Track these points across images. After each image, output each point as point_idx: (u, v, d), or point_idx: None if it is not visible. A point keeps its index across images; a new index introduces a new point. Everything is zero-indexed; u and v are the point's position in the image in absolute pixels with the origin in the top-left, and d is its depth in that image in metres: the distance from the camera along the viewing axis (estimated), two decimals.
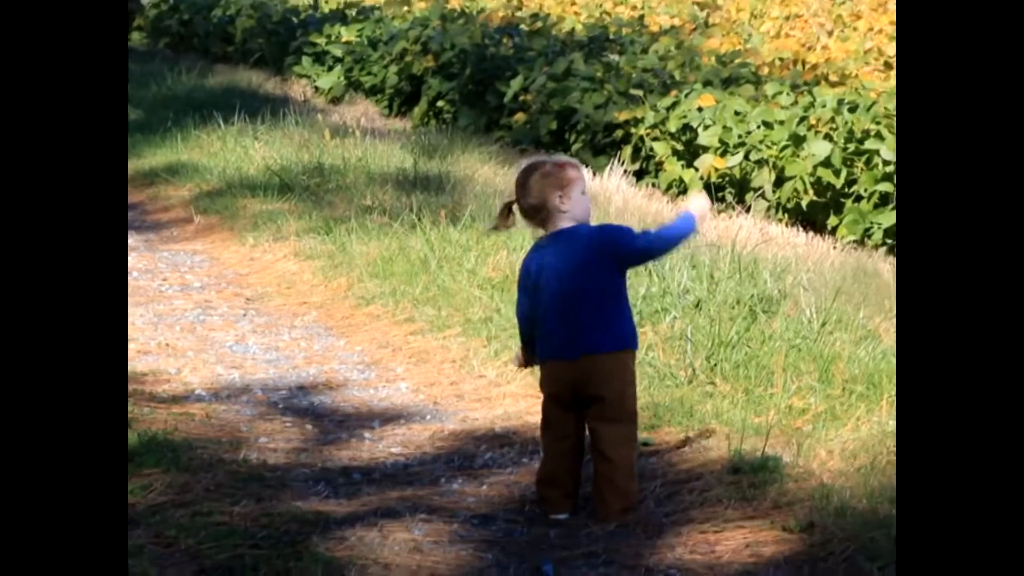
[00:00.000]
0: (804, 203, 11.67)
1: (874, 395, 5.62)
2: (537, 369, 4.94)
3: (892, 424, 5.31)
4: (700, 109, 12.59)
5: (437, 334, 7.03)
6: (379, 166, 11.08)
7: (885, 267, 9.37)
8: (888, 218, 10.88)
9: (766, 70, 14.15)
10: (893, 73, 13.80)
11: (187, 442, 5.44)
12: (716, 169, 12.26)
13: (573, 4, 18.44)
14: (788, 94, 12.55)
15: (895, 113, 11.41)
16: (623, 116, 13.14)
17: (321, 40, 17.80)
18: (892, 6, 17.50)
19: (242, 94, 15.84)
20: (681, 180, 12.62)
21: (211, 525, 4.59)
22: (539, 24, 16.49)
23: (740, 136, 12.18)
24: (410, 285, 7.76)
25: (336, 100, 17.29)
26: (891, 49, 14.56)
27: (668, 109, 12.89)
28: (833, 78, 13.63)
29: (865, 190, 11.24)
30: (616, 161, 12.86)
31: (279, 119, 13.12)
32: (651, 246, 4.84)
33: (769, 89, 12.78)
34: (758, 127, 12.15)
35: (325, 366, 6.74)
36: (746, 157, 12.12)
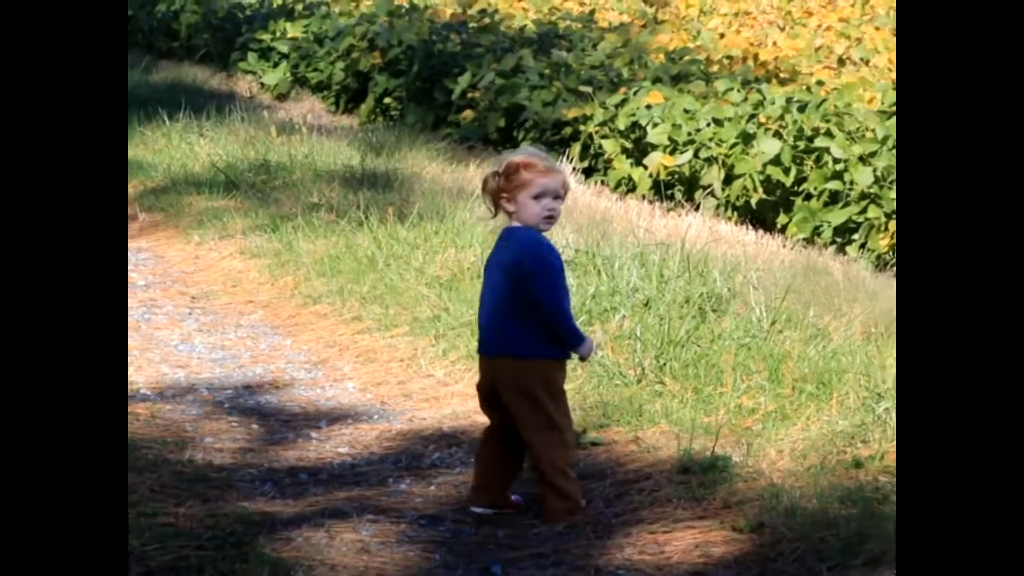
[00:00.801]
0: (754, 201, 11.68)
1: (824, 394, 5.62)
2: None
3: (842, 423, 5.30)
4: (649, 107, 12.58)
5: (385, 333, 6.97)
6: (326, 163, 11.01)
7: (835, 265, 9.39)
8: (838, 216, 10.90)
9: (716, 67, 14.16)
10: (843, 70, 13.84)
11: (132, 442, 5.37)
12: (665, 167, 12.25)
13: (521, 0, 18.40)
14: (739, 91, 12.56)
15: (850, 113, 11.46)
16: (572, 113, 13.11)
17: (267, 36, 17.68)
18: (841, 3, 17.58)
19: (187, 90, 15.72)
20: (630, 178, 12.61)
21: (156, 526, 4.53)
22: (487, 20, 16.44)
23: (689, 134, 12.18)
24: (357, 283, 7.71)
25: (282, 97, 17.18)
26: (840, 47, 14.61)
27: (617, 106, 12.87)
28: (783, 75, 13.65)
29: (815, 188, 11.26)
30: (565, 159, 12.83)
31: (225, 116, 13.02)
32: (551, 313, 4.65)
33: (720, 86, 12.79)
34: (708, 124, 12.15)
35: (271, 365, 6.68)
36: (695, 155, 12.12)
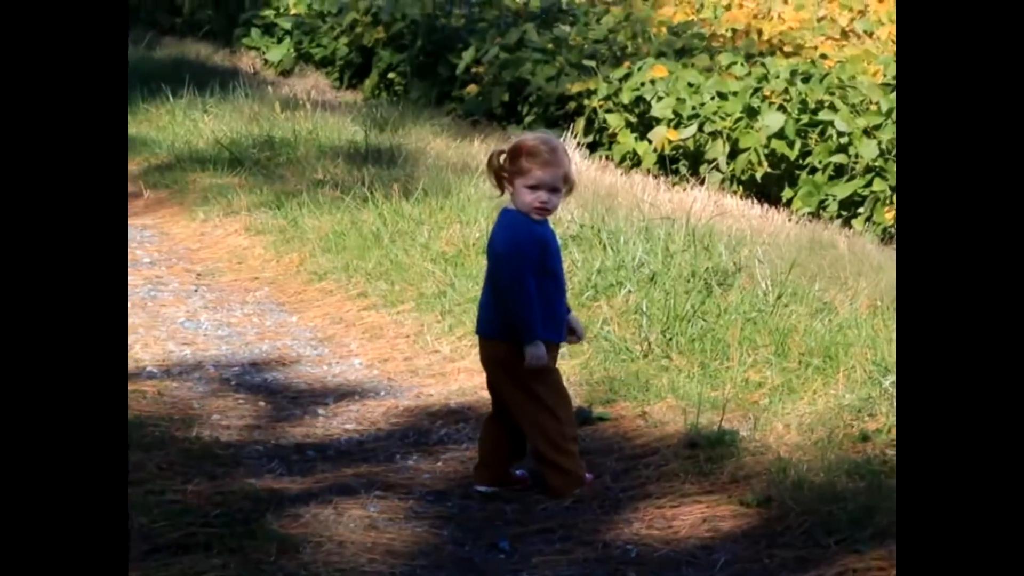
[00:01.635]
0: (758, 175, 11.66)
1: (830, 368, 5.61)
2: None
3: (849, 397, 5.30)
4: (653, 81, 12.55)
5: (391, 309, 6.97)
6: (330, 139, 11.00)
7: (840, 239, 9.38)
8: (843, 190, 10.88)
9: (719, 41, 14.11)
10: (848, 43, 13.80)
11: (139, 420, 5.38)
12: (669, 141, 12.23)
13: None
14: (742, 64, 12.52)
15: (854, 86, 11.42)
16: (576, 88, 13.08)
17: (270, 12, 17.64)
18: None
19: (191, 67, 15.69)
20: (635, 152, 12.58)
21: (164, 503, 4.54)
22: None
23: (694, 108, 12.15)
24: (363, 260, 7.70)
25: (286, 73, 17.14)
26: (843, 19, 14.55)
27: (621, 81, 12.84)
28: (787, 48, 13.61)
29: (819, 162, 11.24)
30: (569, 134, 12.80)
31: (228, 92, 13.00)
32: (509, 300, 4.60)
33: (723, 60, 12.75)
34: (712, 98, 12.12)
35: (278, 342, 6.68)
36: (700, 129, 12.09)
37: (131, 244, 8.79)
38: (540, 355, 4.62)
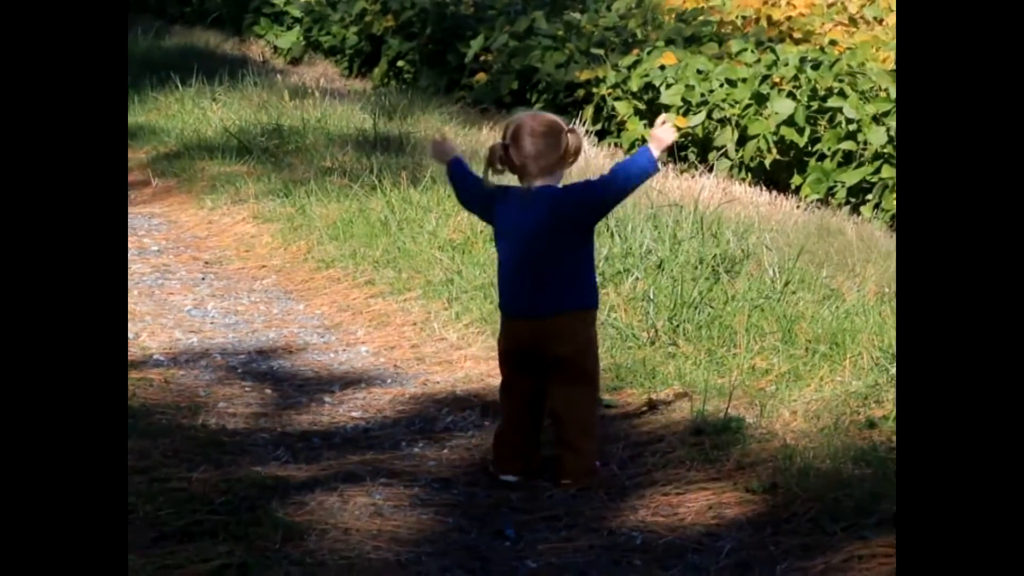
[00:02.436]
0: (767, 162, 11.64)
1: (837, 355, 5.60)
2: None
3: (855, 384, 5.29)
4: (662, 68, 12.53)
5: (397, 297, 6.97)
6: (339, 127, 10.99)
7: (849, 226, 9.36)
8: (852, 176, 10.85)
9: (729, 28, 14.08)
10: (857, 29, 13.76)
11: (145, 407, 5.39)
12: (678, 128, 12.18)
13: None
14: (752, 51, 12.50)
15: (863, 72, 11.39)
16: (585, 75, 13.06)
17: (279, 0, 17.63)
18: None
19: (199, 55, 15.69)
20: (643, 140, 12.55)
21: (169, 491, 4.54)
22: None
23: (703, 95, 12.12)
24: (370, 247, 7.70)
25: (295, 61, 17.15)
26: (853, 5, 14.51)
27: (630, 68, 12.82)
28: (797, 35, 13.58)
29: (828, 149, 11.21)
30: (578, 121, 12.79)
31: (237, 80, 13.00)
32: (607, 190, 4.74)
33: (733, 46, 12.72)
34: (721, 85, 12.09)
35: (285, 330, 6.68)
36: (709, 116, 12.07)
37: (139, 232, 8.80)
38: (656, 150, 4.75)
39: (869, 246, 8.14)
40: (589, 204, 4.72)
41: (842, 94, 11.32)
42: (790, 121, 11.50)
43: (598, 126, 13.00)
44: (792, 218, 9.42)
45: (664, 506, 4.55)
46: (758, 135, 11.65)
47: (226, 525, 4.26)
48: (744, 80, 11.97)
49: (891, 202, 10.47)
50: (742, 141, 11.83)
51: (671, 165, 12.11)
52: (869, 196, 10.75)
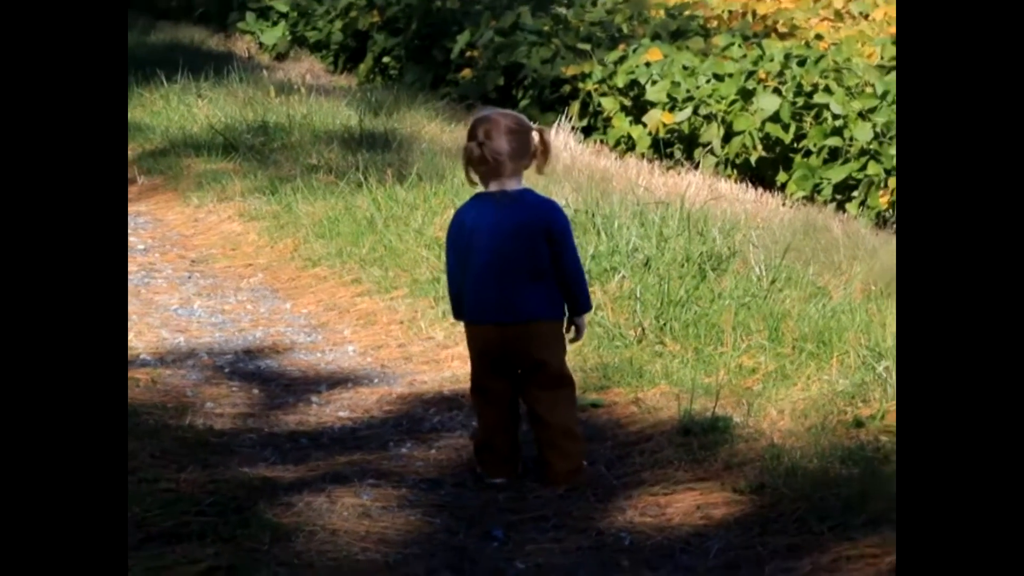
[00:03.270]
0: (753, 159, 11.64)
1: (824, 353, 5.61)
2: None
3: (843, 383, 5.29)
4: (648, 64, 12.52)
5: (384, 295, 6.96)
6: (324, 124, 10.97)
7: (835, 223, 9.37)
8: (838, 173, 10.86)
9: (715, 22, 14.09)
10: (843, 24, 13.77)
11: (132, 408, 5.37)
12: (664, 125, 12.21)
13: None
14: (739, 46, 12.50)
15: (849, 68, 11.40)
16: (571, 71, 13.05)
17: None
18: None
19: (185, 51, 15.65)
20: (629, 136, 12.57)
21: (157, 492, 4.53)
22: None
23: (688, 91, 12.12)
24: (356, 245, 7.69)
25: (281, 57, 17.11)
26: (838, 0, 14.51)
27: (616, 64, 12.81)
28: (782, 29, 13.58)
29: (814, 145, 11.22)
30: (564, 117, 12.79)
31: (223, 76, 12.97)
32: (579, 275, 4.71)
33: (720, 41, 12.72)
34: (707, 81, 12.09)
35: (271, 329, 6.68)
36: (695, 112, 12.07)
37: None
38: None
39: (855, 243, 8.15)
40: (557, 244, 4.66)
41: (828, 90, 11.32)
42: (776, 117, 11.50)
43: (584, 122, 12.99)
44: (778, 215, 9.43)
45: (652, 506, 4.55)
46: (744, 131, 11.66)
47: (214, 526, 4.26)
48: (730, 76, 11.98)
49: (877, 199, 10.48)
50: (728, 138, 11.84)
51: (657, 162, 12.11)
52: (855, 193, 10.76)
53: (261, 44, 17.35)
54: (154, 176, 10.17)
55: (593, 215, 7.60)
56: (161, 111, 12.10)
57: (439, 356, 6.10)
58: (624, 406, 5.36)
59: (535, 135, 4.72)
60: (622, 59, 12.82)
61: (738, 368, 5.58)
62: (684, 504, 4.54)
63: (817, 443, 4.78)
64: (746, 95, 11.78)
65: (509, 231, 4.64)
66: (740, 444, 4.87)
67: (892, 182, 10.37)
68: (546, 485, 4.70)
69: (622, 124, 12.57)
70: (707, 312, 6.09)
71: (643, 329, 5.98)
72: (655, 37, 13.33)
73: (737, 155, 11.71)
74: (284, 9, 17.32)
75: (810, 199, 10.98)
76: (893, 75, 11.12)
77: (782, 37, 13.43)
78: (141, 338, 6.45)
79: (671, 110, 12.17)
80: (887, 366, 5.27)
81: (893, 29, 12.73)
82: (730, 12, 14.41)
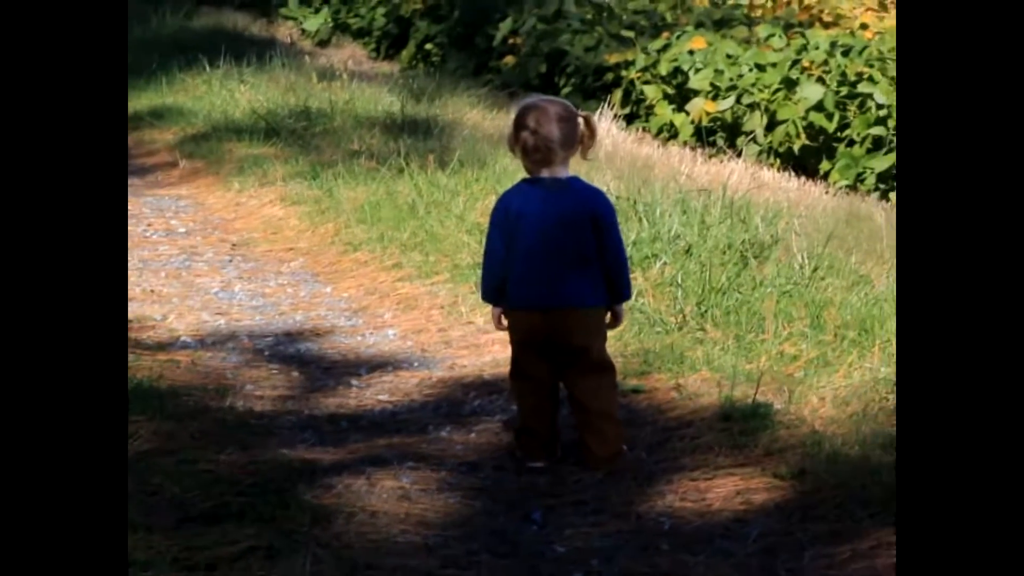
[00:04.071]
0: (796, 147, 11.59)
1: (866, 341, 5.57)
2: None
3: (884, 370, 5.26)
4: (691, 52, 12.49)
5: (425, 280, 6.96)
6: (366, 110, 10.99)
7: (878, 212, 9.32)
8: (881, 163, 10.81)
9: (759, 12, 14.03)
10: (887, 14, 13.69)
11: (172, 390, 5.39)
12: (707, 113, 12.17)
13: None
14: (781, 36, 12.45)
15: (893, 58, 11.33)
16: (614, 59, 13.03)
17: None
18: None
19: (228, 36, 15.70)
20: (672, 124, 12.54)
21: (197, 473, 4.53)
22: None
23: (732, 79, 12.08)
24: (398, 231, 7.69)
25: (323, 43, 17.15)
26: None
27: (659, 52, 12.79)
28: (827, 18, 13.52)
29: (858, 135, 11.16)
30: (606, 105, 12.77)
31: (265, 62, 13.01)
32: (624, 264, 4.72)
33: (762, 31, 12.68)
34: (750, 70, 12.04)
35: (312, 313, 6.68)
36: (738, 101, 12.03)
37: (166, 214, 8.82)
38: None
39: None
40: (603, 232, 4.66)
41: (872, 80, 11.27)
42: (819, 106, 11.46)
43: (627, 110, 12.97)
44: (821, 204, 9.38)
45: (692, 491, 4.53)
46: (787, 120, 11.61)
47: (253, 508, 4.26)
48: (774, 65, 11.93)
49: None
50: (771, 126, 11.79)
51: (699, 150, 12.08)
52: None
53: (304, 30, 17.40)
54: (196, 160, 10.20)
55: (635, 202, 7.58)
56: (203, 96, 12.14)
57: (479, 341, 6.09)
58: (665, 392, 5.34)
59: (581, 120, 4.71)
60: (665, 47, 12.79)
61: (779, 355, 5.55)
62: (724, 489, 4.51)
63: (858, 430, 4.75)
64: (790, 84, 11.74)
65: (556, 218, 4.64)
66: (781, 431, 4.85)
67: None
68: (585, 469, 4.69)
69: (665, 112, 12.54)
70: (748, 299, 6.06)
71: (684, 316, 5.96)
72: (698, 25, 13.30)
73: (780, 144, 11.66)
74: None
75: (853, 188, 10.94)
76: None
77: (826, 26, 13.37)
78: (182, 320, 6.47)
79: (714, 98, 12.13)
80: None
81: None
82: (774, 1, 14.35)
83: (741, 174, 10.26)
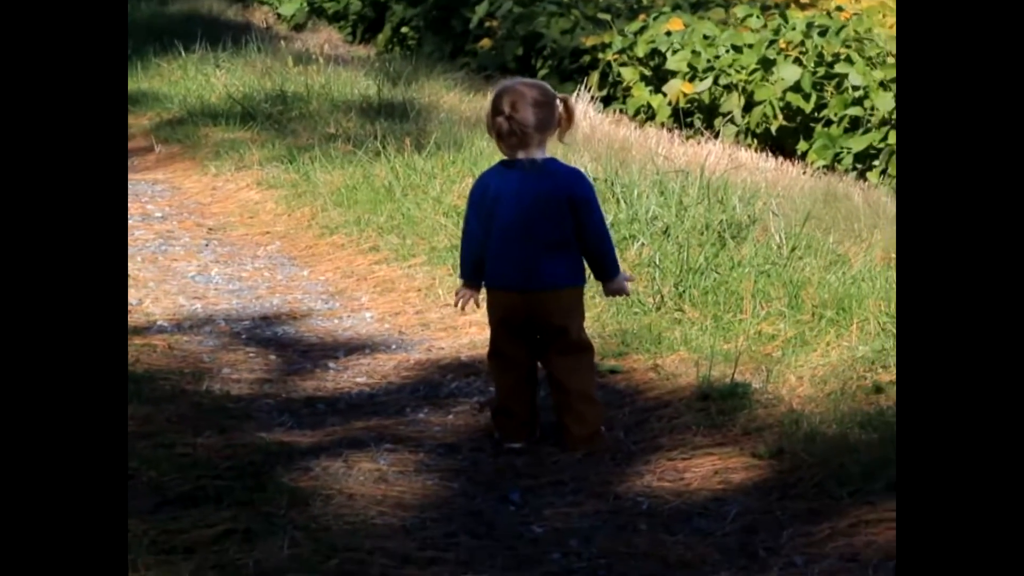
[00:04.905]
0: (774, 128, 11.59)
1: (844, 320, 5.57)
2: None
3: (862, 349, 5.26)
4: (668, 33, 12.47)
5: (402, 263, 6.95)
6: (343, 94, 10.95)
7: (855, 192, 9.32)
8: (858, 143, 10.81)
9: None
10: None
11: (149, 374, 5.37)
12: (684, 94, 12.16)
13: None
14: (758, 17, 12.44)
15: (870, 39, 11.34)
16: (590, 41, 13.01)
17: None
18: None
19: (203, 21, 15.64)
20: (649, 106, 12.52)
21: (174, 456, 4.52)
22: None
23: (709, 61, 12.07)
24: (374, 214, 7.67)
25: (299, 27, 17.09)
26: None
27: (636, 34, 12.76)
28: (803, 0, 13.53)
29: (835, 115, 11.16)
30: (583, 87, 12.74)
31: (241, 47, 12.96)
32: (606, 241, 4.72)
33: (739, 12, 12.67)
34: (727, 51, 12.04)
35: (289, 296, 6.66)
36: (715, 82, 12.02)
37: (142, 198, 8.78)
38: (625, 278, 4.83)
39: (876, 212, 8.11)
40: (581, 212, 4.64)
41: (849, 60, 11.27)
42: (796, 87, 11.45)
43: (604, 92, 12.95)
44: (798, 184, 9.38)
45: (670, 471, 4.53)
46: (764, 101, 11.61)
47: (230, 491, 4.24)
48: (751, 46, 11.92)
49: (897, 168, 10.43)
50: (748, 107, 11.79)
51: (677, 132, 12.07)
52: (876, 162, 10.71)
53: (279, 15, 17.34)
54: (172, 144, 10.16)
55: (613, 184, 7.57)
56: (179, 81, 12.10)
57: (456, 323, 6.08)
58: (643, 372, 5.34)
59: (559, 103, 4.70)
60: (642, 29, 12.77)
61: (757, 335, 5.55)
62: (702, 469, 4.52)
63: (836, 409, 4.76)
64: (767, 65, 11.73)
65: (532, 199, 4.63)
66: (759, 410, 4.85)
67: None
68: (564, 450, 4.69)
69: (642, 94, 12.53)
70: (726, 279, 6.05)
71: (662, 296, 5.95)
72: (675, 7, 13.28)
73: (758, 124, 11.66)
74: None
75: (831, 168, 10.94)
76: None
77: (803, 7, 13.36)
78: (158, 304, 6.44)
79: (691, 80, 12.12)
80: None
81: None
82: None
83: (719, 155, 10.26)
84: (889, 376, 4.99)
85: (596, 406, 4.75)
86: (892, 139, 10.62)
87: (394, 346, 5.89)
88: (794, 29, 11.91)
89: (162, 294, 6.63)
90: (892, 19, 12.04)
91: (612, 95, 12.97)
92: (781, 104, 11.52)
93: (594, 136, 10.41)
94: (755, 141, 11.74)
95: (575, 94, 12.60)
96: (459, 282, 4.85)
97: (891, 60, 11.06)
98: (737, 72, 11.87)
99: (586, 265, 4.75)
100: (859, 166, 10.78)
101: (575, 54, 13.23)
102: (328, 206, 7.98)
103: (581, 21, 13.44)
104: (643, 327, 5.69)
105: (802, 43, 11.74)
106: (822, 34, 11.73)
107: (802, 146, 11.41)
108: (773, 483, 4.37)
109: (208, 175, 9.21)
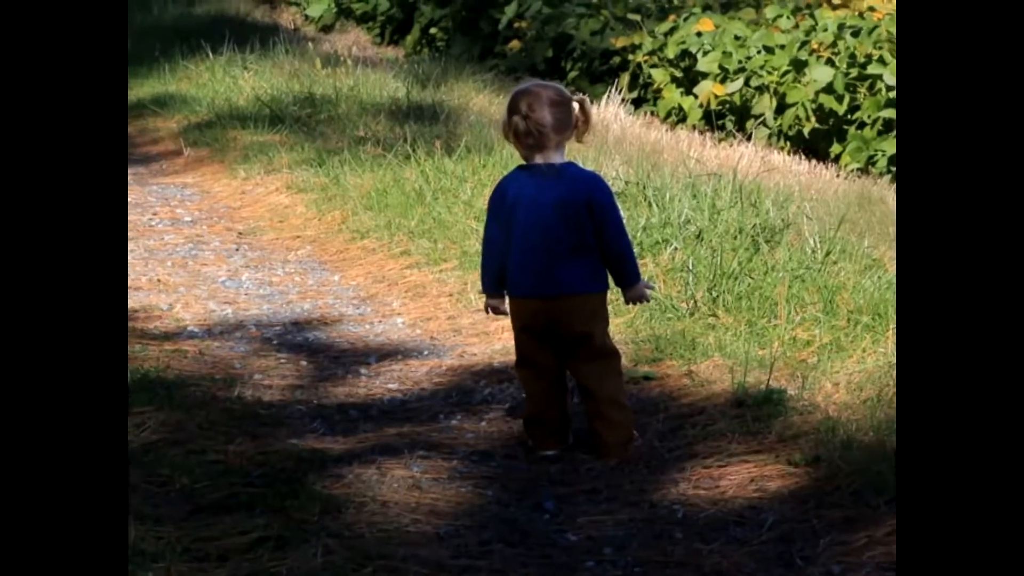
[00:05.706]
0: (806, 130, 11.53)
1: (880, 326, 5.52)
2: None
3: None
4: (699, 34, 12.42)
5: (433, 267, 6.92)
6: (371, 96, 10.93)
7: (889, 195, 9.26)
8: (893, 145, 10.74)
9: None
10: None
11: (180, 379, 5.35)
12: (715, 96, 12.11)
13: None
14: (789, 17, 12.38)
15: (896, 39, 11.26)
16: (620, 43, 12.96)
17: None
18: None
19: (230, 23, 15.64)
20: (680, 108, 12.47)
21: (206, 463, 4.50)
22: None
23: (740, 62, 12.02)
24: (405, 218, 7.64)
25: (327, 28, 17.09)
26: None
27: (666, 35, 12.72)
28: (835, 0, 13.46)
29: (868, 117, 11.10)
30: (613, 89, 12.70)
31: (269, 48, 12.95)
32: (627, 248, 4.67)
33: (770, 12, 12.61)
34: (759, 52, 11.98)
35: (320, 301, 6.64)
36: (746, 83, 11.96)
37: (171, 202, 8.77)
38: (646, 286, 4.80)
39: None
40: (599, 217, 4.60)
41: (882, 61, 11.20)
42: (829, 89, 11.39)
43: (634, 94, 12.91)
44: (832, 187, 9.33)
45: (705, 479, 4.49)
46: (796, 103, 11.55)
47: (263, 498, 4.22)
48: (782, 47, 11.86)
49: None
50: (780, 109, 11.73)
51: (708, 134, 12.01)
52: None
53: (307, 16, 17.35)
54: (201, 148, 10.16)
55: (644, 187, 7.53)
56: (207, 83, 12.09)
57: (489, 328, 6.04)
58: (676, 379, 5.29)
59: (575, 105, 4.66)
60: (672, 30, 12.72)
61: (792, 341, 5.50)
62: (738, 477, 4.47)
63: (873, 416, 4.71)
64: (799, 66, 11.67)
65: (550, 205, 4.60)
66: (794, 417, 4.80)
67: None
68: (597, 457, 4.65)
69: (672, 96, 12.48)
70: (760, 285, 6.01)
71: (696, 301, 5.91)
72: (706, 8, 13.23)
73: (790, 127, 11.60)
74: None
75: (864, 171, 10.87)
76: None
77: (834, 8, 13.30)
78: (188, 310, 6.43)
79: (722, 81, 12.07)
80: None
81: None
82: None
83: (751, 158, 10.20)
84: None
85: (625, 411, 4.72)
86: None
87: (426, 352, 5.86)
88: (826, 30, 11.85)
89: (192, 299, 6.61)
90: None
91: (643, 97, 12.92)
92: (813, 106, 11.46)
93: (625, 139, 10.37)
94: (787, 143, 11.68)
95: (605, 96, 12.57)
96: (483, 296, 4.82)
97: None
98: (768, 73, 11.81)
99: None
100: (893, 169, 10.71)
101: (605, 55, 13.20)
102: (358, 210, 7.96)
103: (611, 22, 13.40)
104: (676, 333, 5.65)
105: (834, 44, 11.68)
106: (854, 34, 11.66)
107: (835, 149, 11.34)
108: (809, 491, 4.32)
109: (237, 179, 9.20)
